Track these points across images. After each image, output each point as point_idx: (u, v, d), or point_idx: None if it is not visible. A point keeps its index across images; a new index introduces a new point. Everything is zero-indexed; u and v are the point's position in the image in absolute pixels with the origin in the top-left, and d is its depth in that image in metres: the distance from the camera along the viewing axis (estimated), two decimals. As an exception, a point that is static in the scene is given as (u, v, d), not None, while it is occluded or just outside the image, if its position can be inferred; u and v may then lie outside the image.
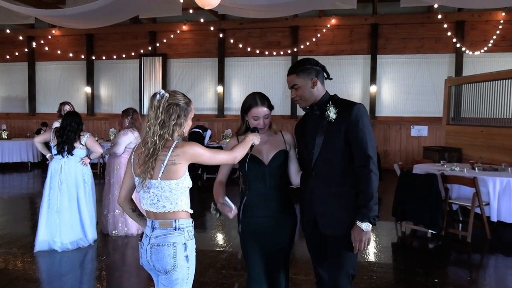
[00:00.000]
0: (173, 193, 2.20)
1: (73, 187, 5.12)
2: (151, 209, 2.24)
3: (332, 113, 2.42)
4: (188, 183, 2.24)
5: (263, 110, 2.56)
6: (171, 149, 2.17)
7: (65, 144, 5.02)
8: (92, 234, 5.24)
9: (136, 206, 2.44)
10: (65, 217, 5.04)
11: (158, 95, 2.22)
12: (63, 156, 5.05)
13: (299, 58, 11.18)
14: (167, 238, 2.19)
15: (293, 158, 2.65)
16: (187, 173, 2.24)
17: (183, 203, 2.24)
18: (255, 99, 2.57)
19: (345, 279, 2.45)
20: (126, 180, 2.36)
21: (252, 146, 2.48)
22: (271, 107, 2.61)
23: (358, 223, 2.34)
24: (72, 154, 5.07)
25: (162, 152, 2.17)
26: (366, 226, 2.33)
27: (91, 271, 4.60)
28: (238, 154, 2.40)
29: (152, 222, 2.24)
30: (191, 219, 2.29)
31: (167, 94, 2.22)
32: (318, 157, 2.46)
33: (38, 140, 5.30)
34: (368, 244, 2.38)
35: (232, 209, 2.42)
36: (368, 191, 2.34)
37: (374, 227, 2.40)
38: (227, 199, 2.46)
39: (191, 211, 2.30)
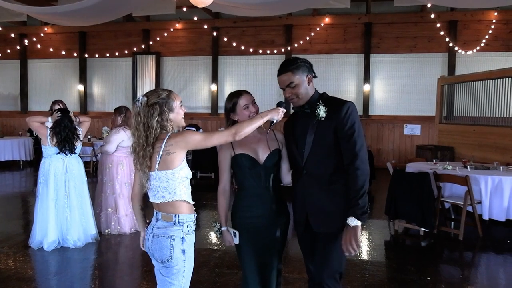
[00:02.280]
0: (170, 183, 2.26)
1: (80, 184, 5.15)
2: (154, 201, 2.33)
3: (322, 112, 2.41)
4: (186, 173, 2.28)
5: (248, 96, 2.60)
6: (165, 140, 2.24)
7: (66, 143, 4.98)
8: (96, 230, 5.32)
9: (145, 205, 2.48)
10: (75, 215, 5.07)
11: (138, 102, 2.30)
12: (66, 155, 5.02)
13: (293, 56, 11.20)
14: (167, 230, 2.28)
15: (284, 157, 2.64)
16: (185, 163, 2.29)
17: (182, 193, 2.29)
18: (237, 92, 2.63)
19: (329, 275, 2.45)
20: (138, 175, 2.41)
21: (272, 123, 2.45)
22: None
23: (347, 220, 2.34)
24: (74, 153, 5.09)
25: (157, 144, 2.25)
26: (353, 222, 2.31)
27: (83, 270, 4.57)
28: (240, 129, 2.27)
29: (156, 213, 2.34)
30: (193, 214, 2.34)
31: (144, 98, 2.29)
32: (309, 155, 2.46)
33: (35, 124, 5.25)
34: (357, 241, 2.32)
35: (233, 242, 2.56)
36: (355, 188, 2.34)
37: (367, 225, 2.40)
38: (234, 231, 2.55)
39: (193, 202, 2.34)
